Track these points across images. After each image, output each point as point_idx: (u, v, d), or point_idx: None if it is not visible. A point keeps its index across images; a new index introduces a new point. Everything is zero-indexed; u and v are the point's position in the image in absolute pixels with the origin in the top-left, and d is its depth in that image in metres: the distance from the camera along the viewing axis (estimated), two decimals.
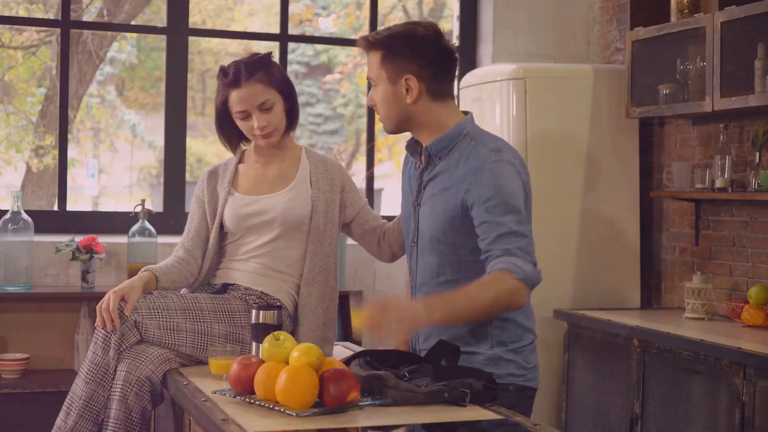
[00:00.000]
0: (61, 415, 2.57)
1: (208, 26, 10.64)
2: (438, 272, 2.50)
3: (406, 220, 2.64)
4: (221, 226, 2.86)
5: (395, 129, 2.56)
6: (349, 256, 4.48)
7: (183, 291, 2.84)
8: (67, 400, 2.58)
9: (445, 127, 2.50)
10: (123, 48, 10.59)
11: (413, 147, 2.61)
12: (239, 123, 2.80)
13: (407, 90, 2.46)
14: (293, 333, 2.78)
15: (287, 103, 2.84)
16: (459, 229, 2.43)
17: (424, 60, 2.46)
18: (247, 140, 2.91)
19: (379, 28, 4.98)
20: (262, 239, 2.81)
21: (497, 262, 2.32)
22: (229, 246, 2.86)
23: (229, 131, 2.87)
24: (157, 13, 8.22)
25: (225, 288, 2.81)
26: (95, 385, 2.54)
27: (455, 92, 2.62)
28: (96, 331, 2.59)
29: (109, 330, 2.56)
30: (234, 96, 2.77)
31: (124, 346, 2.57)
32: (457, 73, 2.58)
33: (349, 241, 4.49)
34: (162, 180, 4.70)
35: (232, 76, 2.78)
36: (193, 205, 2.93)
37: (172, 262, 2.81)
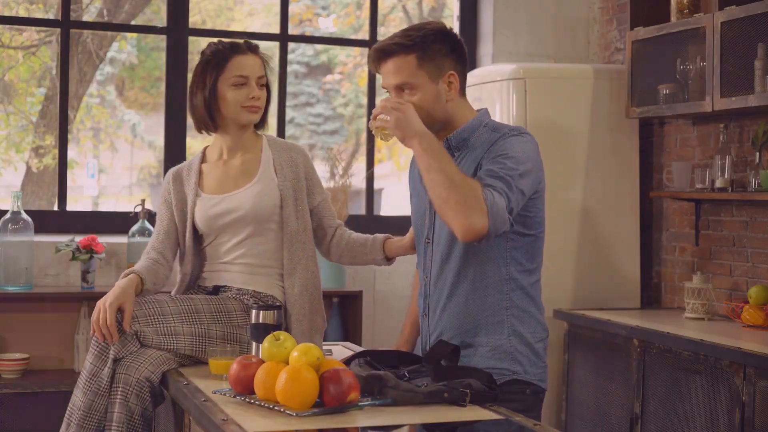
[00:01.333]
0: (63, 426, 2.57)
1: (208, 26, 10.64)
2: (454, 265, 2.48)
3: (419, 218, 2.62)
4: (194, 228, 2.84)
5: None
6: None
7: (173, 292, 2.84)
8: (67, 411, 2.58)
9: (465, 121, 2.52)
10: (123, 48, 10.58)
11: None
12: (230, 92, 2.74)
13: (449, 86, 2.47)
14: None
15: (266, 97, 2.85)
16: None
17: (458, 54, 2.50)
18: (210, 130, 2.86)
19: (380, 29, 4.99)
20: (237, 237, 2.79)
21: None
22: (208, 249, 2.84)
23: (209, 109, 2.79)
24: (157, 13, 8.21)
25: (217, 290, 2.81)
26: (93, 395, 2.53)
27: None
28: (93, 341, 2.57)
29: (109, 343, 2.55)
30: (237, 61, 2.75)
31: (122, 355, 2.56)
32: None
33: None
34: (162, 180, 4.70)
35: (234, 44, 2.78)
36: (160, 207, 2.90)
37: (148, 264, 2.77)
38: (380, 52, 2.48)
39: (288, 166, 2.83)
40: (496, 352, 2.45)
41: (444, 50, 2.46)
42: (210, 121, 2.81)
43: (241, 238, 2.79)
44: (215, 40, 2.84)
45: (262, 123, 2.88)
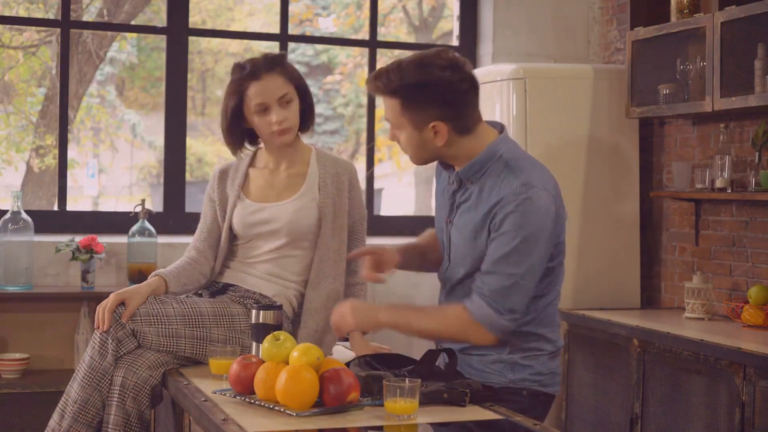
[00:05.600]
0: (55, 417, 2.57)
1: (208, 26, 10.64)
2: (465, 291, 2.46)
3: (439, 232, 2.60)
4: (230, 227, 2.85)
5: (424, 163, 2.52)
6: None
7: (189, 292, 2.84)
8: (61, 402, 2.58)
9: (474, 153, 2.43)
10: (123, 48, 10.59)
11: (446, 162, 2.54)
12: (256, 119, 2.74)
13: (435, 134, 2.38)
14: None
15: (303, 102, 2.82)
16: None
17: (446, 103, 2.37)
18: (252, 142, 2.87)
19: (380, 29, 4.99)
20: (269, 246, 2.80)
21: (467, 299, 2.38)
22: (240, 248, 2.86)
23: (237, 133, 2.81)
24: (157, 13, 8.22)
25: (225, 288, 2.81)
26: (91, 389, 2.53)
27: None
28: (93, 335, 2.59)
29: (100, 330, 2.55)
30: (253, 88, 2.72)
31: (121, 353, 2.56)
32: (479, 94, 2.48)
33: None
34: (162, 180, 4.70)
35: (251, 68, 2.73)
36: (205, 205, 2.92)
37: (183, 263, 2.80)
38: (371, 89, 2.45)
39: (332, 183, 2.82)
40: (495, 363, 2.44)
41: (427, 103, 2.36)
42: (242, 147, 2.83)
43: (273, 247, 2.80)
44: (240, 60, 2.79)
45: (305, 127, 2.86)
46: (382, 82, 2.39)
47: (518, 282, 2.33)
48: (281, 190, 2.82)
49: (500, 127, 2.50)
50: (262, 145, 2.89)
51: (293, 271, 2.80)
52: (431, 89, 2.35)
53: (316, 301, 2.77)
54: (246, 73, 2.74)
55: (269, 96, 2.73)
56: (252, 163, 2.90)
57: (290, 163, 2.85)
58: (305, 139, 2.93)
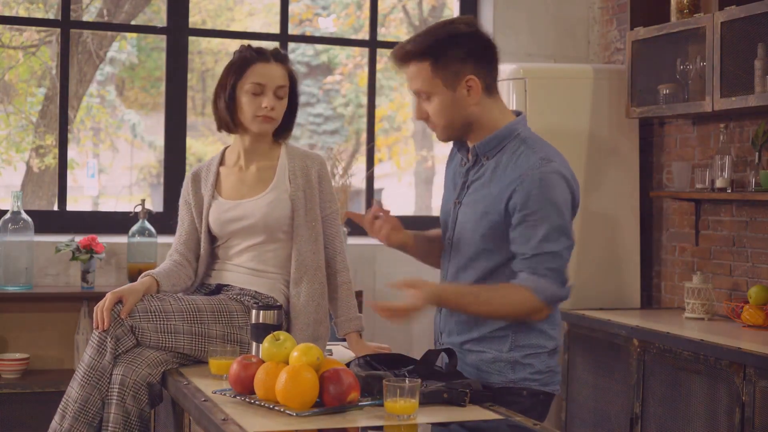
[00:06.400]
0: (56, 418, 2.57)
1: (208, 26, 10.63)
2: (468, 278, 2.46)
3: (445, 214, 2.58)
4: (209, 229, 2.86)
5: (454, 137, 2.49)
6: (349, 256, 4.48)
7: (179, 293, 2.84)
8: (62, 403, 2.58)
9: (496, 126, 2.43)
10: (123, 48, 10.58)
11: (460, 143, 2.53)
12: (245, 99, 2.75)
13: (468, 91, 2.38)
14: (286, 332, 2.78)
15: (289, 104, 2.84)
16: (499, 236, 2.39)
17: (479, 54, 2.39)
18: (231, 130, 2.86)
19: (380, 29, 4.99)
20: (247, 242, 2.81)
21: (526, 278, 2.35)
22: (220, 249, 2.87)
23: (228, 114, 2.80)
24: (157, 13, 8.21)
25: (219, 288, 2.82)
26: (91, 388, 2.53)
27: None
28: (92, 334, 2.59)
29: (99, 329, 2.56)
30: (258, 68, 2.75)
31: (120, 351, 2.57)
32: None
33: (350, 240, 4.50)
34: (162, 180, 4.70)
35: (260, 51, 2.77)
36: (181, 209, 2.92)
37: (169, 266, 2.80)
38: (397, 58, 2.43)
39: (301, 174, 2.83)
40: (495, 362, 2.43)
41: (460, 55, 2.36)
42: (230, 124, 2.82)
43: (252, 243, 2.80)
44: (246, 43, 2.83)
45: (283, 132, 2.87)
46: (411, 45, 2.39)
47: (564, 255, 2.36)
48: (253, 185, 2.83)
49: (517, 112, 2.52)
50: (230, 143, 2.91)
51: (275, 263, 2.81)
52: (462, 42, 2.38)
53: (302, 295, 2.78)
54: (254, 53, 2.77)
55: (270, 80, 2.75)
56: (222, 162, 2.91)
57: (260, 158, 2.86)
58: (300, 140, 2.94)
